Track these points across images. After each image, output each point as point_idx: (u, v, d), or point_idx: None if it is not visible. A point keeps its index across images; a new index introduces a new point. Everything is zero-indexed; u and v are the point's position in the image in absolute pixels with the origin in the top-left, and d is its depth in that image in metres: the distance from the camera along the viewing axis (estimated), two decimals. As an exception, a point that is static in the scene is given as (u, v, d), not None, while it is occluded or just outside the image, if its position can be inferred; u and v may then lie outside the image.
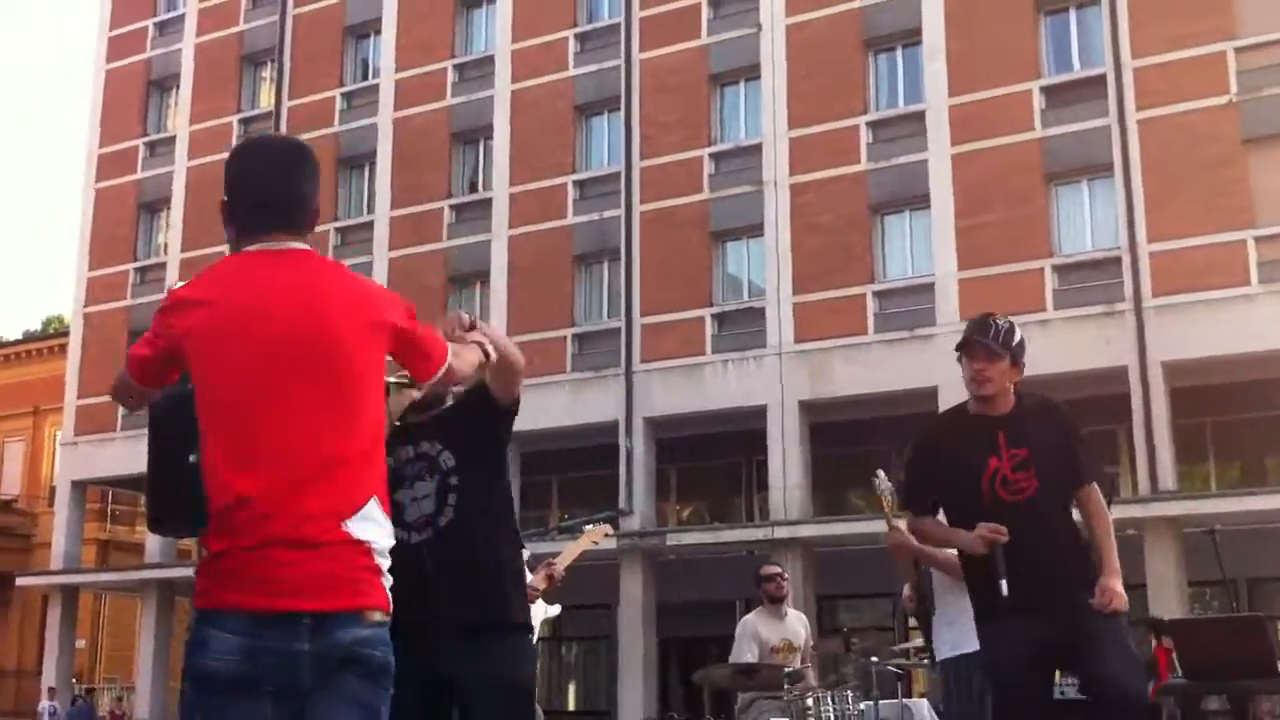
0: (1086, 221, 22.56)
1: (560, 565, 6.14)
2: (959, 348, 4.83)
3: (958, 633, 6.15)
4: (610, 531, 6.97)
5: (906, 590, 6.99)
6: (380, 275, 27.93)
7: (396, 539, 3.64)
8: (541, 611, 5.99)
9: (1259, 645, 5.82)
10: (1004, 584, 4.56)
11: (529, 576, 5.90)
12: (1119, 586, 4.54)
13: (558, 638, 27.53)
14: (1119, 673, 4.44)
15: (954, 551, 5.83)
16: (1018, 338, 4.84)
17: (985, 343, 4.78)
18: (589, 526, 6.90)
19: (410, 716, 4.09)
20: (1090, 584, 4.55)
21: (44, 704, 29.87)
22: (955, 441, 4.82)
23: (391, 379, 3.64)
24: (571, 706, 26.14)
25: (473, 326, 3.79)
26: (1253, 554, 18.11)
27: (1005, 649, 4.68)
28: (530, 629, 4.69)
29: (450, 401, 4.65)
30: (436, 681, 4.22)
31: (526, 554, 6.06)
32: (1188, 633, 5.95)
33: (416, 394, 4.32)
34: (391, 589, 2.99)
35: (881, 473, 6.11)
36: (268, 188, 3.10)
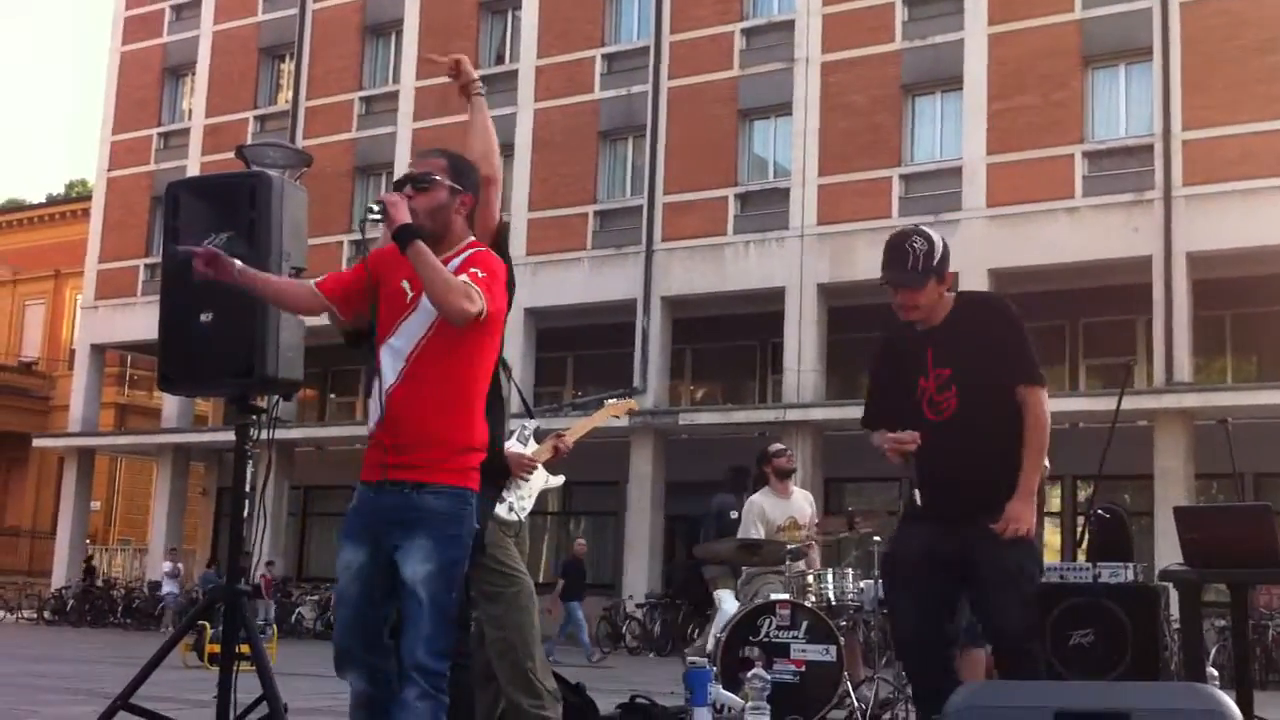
0: (1121, 107, 22.16)
1: (570, 437, 6.08)
2: (881, 283, 4.64)
3: None
4: (634, 408, 6.90)
5: None
6: (404, 146, 27.74)
7: None
8: (541, 481, 5.88)
9: (1262, 535, 5.82)
10: (917, 494, 4.60)
11: (525, 447, 5.87)
12: (1024, 511, 4.42)
13: (566, 512, 27.85)
14: (1001, 614, 4.45)
15: None
16: (939, 254, 4.58)
17: (904, 277, 4.58)
18: (611, 400, 6.79)
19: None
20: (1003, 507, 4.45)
21: (166, 564, 28.19)
22: (896, 362, 4.73)
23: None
24: (581, 579, 26.52)
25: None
26: (1263, 448, 18.09)
27: (904, 546, 4.72)
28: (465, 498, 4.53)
29: None
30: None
31: (534, 425, 6.03)
32: (1192, 521, 5.95)
33: None
34: None
35: None
36: None
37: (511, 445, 5.73)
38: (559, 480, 6.06)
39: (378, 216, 3.71)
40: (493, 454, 4.65)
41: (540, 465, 5.84)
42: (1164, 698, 3.08)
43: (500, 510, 5.59)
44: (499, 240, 4.47)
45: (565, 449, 5.95)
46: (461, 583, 3.80)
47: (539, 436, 6.02)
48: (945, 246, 4.66)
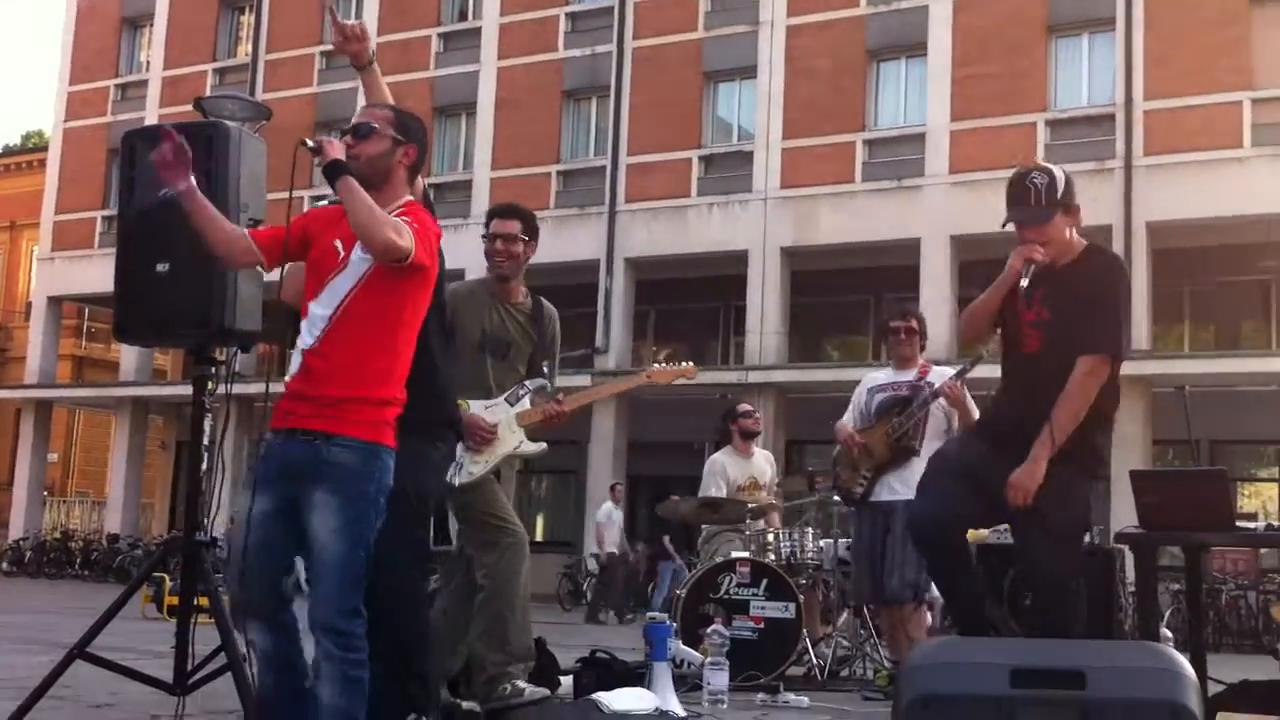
0: (1084, 76, 22.25)
1: (572, 403, 5.79)
2: (1005, 223, 4.64)
3: None
4: (690, 375, 6.10)
5: (849, 429, 7.07)
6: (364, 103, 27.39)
7: None
8: (510, 446, 5.56)
9: (1217, 499, 5.85)
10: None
11: (514, 408, 5.58)
12: (1028, 478, 4.45)
13: (528, 471, 27.83)
14: (1028, 552, 4.66)
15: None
16: (1062, 185, 4.58)
17: (1028, 214, 4.56)
18: (657, 365, 6.35)
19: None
20: (1062, 459, 4.49)
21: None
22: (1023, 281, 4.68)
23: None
24: (539, 538, 26.54)
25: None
26: (1218, 416, 18.32)
27: (954, 448, 4.93)
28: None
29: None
30: None
31: (535, 385, 5.66)
32: (1148, 484, 5.98)
33: None
34: None
35: None
36: None
37: (498, 405, 5.60)
38: (535, 448, 5.72)
39: (313, 146, 3.74)
40: (446, 407, 4.57)
41: (517, 431, 5.58)
42: (1119, 656, 3.10)
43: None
44: (427, 201, 4.39)
45: (556, 414, 5.64)
46: (370, 540, 3.66)
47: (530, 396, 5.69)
48: (1068, 179, 4.63)
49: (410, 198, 3.93)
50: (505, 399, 5.62)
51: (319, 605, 3.60)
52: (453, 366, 4.62)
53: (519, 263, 5.74)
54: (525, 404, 5.65)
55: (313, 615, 3.60)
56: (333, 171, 3.66)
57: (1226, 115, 20.51)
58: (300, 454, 3.67)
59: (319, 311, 3.73)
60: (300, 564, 3.81)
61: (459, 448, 5.40)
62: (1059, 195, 4.57)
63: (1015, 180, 4.62)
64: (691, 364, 6.26)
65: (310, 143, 3.75)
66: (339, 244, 3.76)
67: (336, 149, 3.72)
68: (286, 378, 3.78)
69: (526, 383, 5.68)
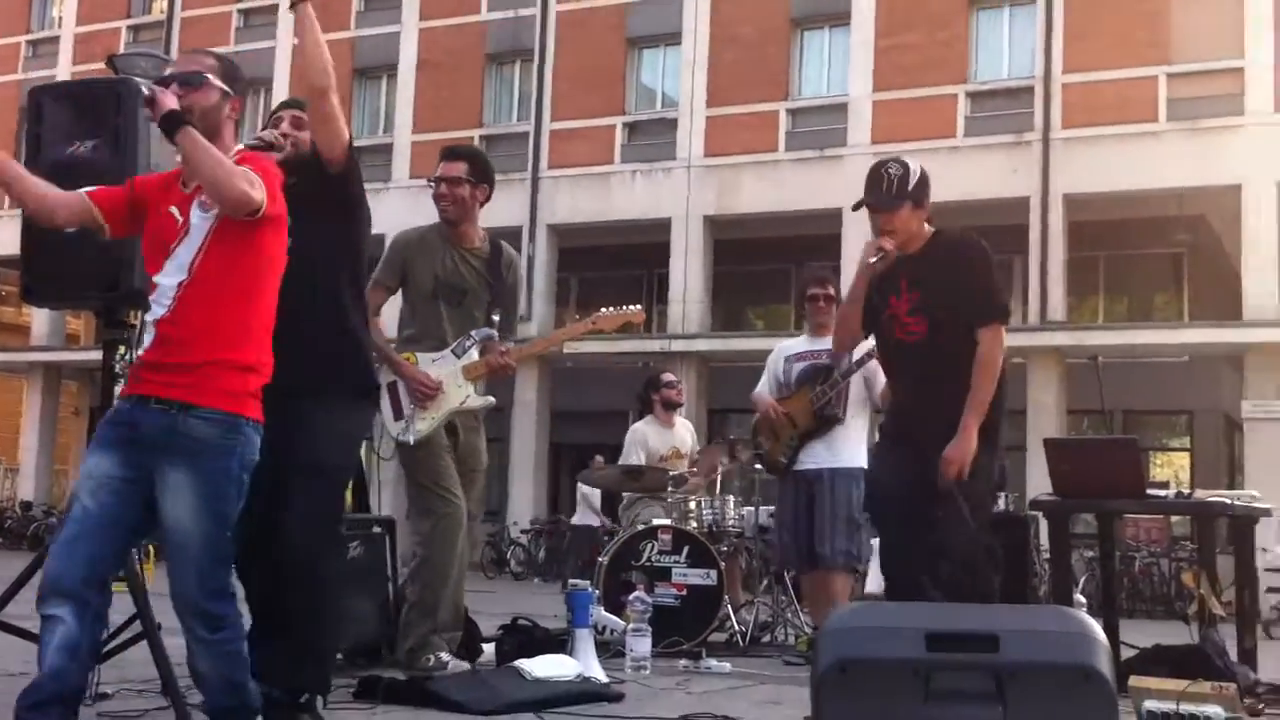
0: (1004, 49, 22.47)
1: (520, 353, 5.69)
2: (856, 206, 4.85)
3: (855, 446, 6.74)
4: (637, 321, 5.99)
5: (769, 399, 7.15)
6: (283, 63, 27.00)
7: None
8: (457, 401, 5.48)
9: (1129, 467, 5.99)
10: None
11: (460, 360, 5.49)
12: (957, 454, 4.54)
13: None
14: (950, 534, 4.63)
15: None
16: (914, 179, 4.78)
17: (877, 200, 4.77)
18: (603, 310, 6.01)
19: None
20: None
21: None
22: (877, 280, 4.84)
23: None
24: (464, 506, 26.54)
25: None
26: (1131, 386, 18.65)
27: (882, 475, 4.95)
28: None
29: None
30: None
31: (483, 335, 5.57)
32: (1061, 452, 6.10)
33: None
34: None
35: None
36: None
37: (444, 358, 5.50)
38: (482, 401, 5.60)
39: (147, 95, 3.47)
40: (362, 373, 4.36)
41: (464, 385, 5.49)
42: (1032, 620, 3.14)
43: (394, 429, 5.42)
44: (350, 157, 4.17)
45: (500, 365, 5.49)
46: (233, 518, 3.43)
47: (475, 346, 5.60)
48: (923, 174, 4.82)
49: (241, 146, 3.70)
50: (451, 351, 5.51)
51: (190, 589, 3.38)
52: (368, 329, 4.52)
53: (465, 206, 5.66)
54: (472, 355, 5.52)
55: (182, 600, 3.39)
56: (172, 123, 3.39)
57: (1142, 90, 20.82)
58: (155, 424, 3.41)
59: (167, 282, 3.47)
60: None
61: (406, 403, 5.37)
62: (909, 188, 4.77)
63: (874, 168, 4.87)
64: (639, 307, 6.12)
65: (145, 91, 3.45)
66: (175, 210, 3.53)
67: (171, 99, 3.44)
68: (139, 350, 3.55)
69: (473, 333, 5.55)
